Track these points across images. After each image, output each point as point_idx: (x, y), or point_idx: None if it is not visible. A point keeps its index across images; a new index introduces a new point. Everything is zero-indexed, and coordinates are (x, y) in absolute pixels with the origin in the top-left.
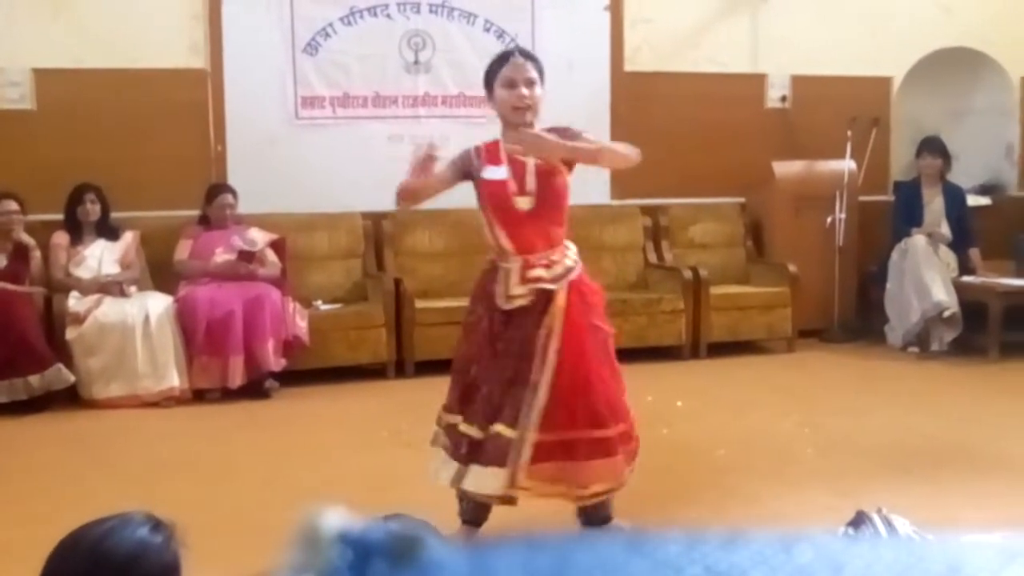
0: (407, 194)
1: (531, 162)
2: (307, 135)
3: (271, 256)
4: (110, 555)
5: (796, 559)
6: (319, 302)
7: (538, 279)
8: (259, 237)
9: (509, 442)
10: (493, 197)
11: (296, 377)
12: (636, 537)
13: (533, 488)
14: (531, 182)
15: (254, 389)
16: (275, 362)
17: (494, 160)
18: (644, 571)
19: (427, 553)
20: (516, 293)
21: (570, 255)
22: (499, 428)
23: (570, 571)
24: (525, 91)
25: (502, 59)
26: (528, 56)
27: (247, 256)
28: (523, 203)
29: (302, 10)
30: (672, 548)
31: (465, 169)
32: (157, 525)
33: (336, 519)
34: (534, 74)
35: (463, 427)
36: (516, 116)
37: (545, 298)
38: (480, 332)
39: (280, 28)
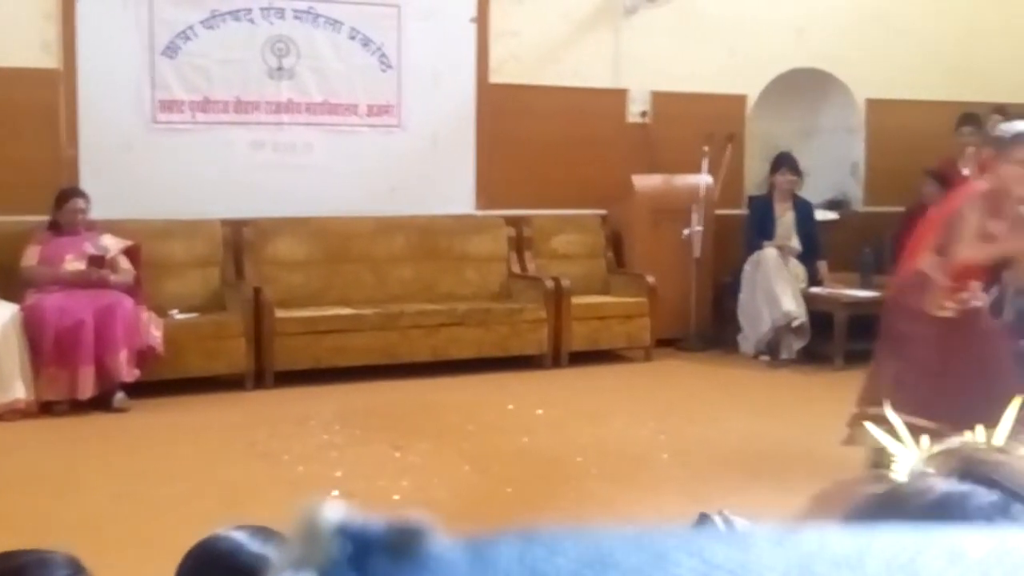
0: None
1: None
2: (165, 140)
3: (124, 263)
4: None
5: (794, 551)
6: (175, 311)
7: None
8: (112, 243)
9: None
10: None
11: (150, 388)
12: (634, 531)
13: None
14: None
15: (105, 401)
16: (128, 372)
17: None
18: (643, 563)
19: (428, 546)
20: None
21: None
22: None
23: (568, 564)
24: None
25: (1018, 140)
26: None
27: (98, 261)
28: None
29: (161, 12)
30: (670, 541)
31: None
32: (77, 572)
33: (335, 512)
34: None
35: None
36: (1019, 188)
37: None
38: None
39: (138, 29)
